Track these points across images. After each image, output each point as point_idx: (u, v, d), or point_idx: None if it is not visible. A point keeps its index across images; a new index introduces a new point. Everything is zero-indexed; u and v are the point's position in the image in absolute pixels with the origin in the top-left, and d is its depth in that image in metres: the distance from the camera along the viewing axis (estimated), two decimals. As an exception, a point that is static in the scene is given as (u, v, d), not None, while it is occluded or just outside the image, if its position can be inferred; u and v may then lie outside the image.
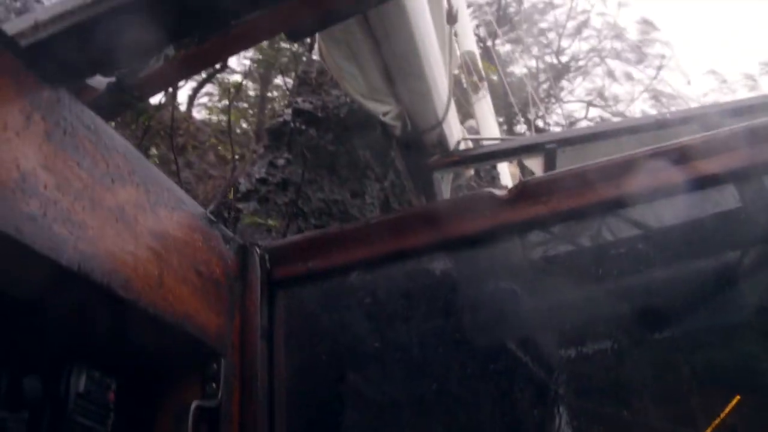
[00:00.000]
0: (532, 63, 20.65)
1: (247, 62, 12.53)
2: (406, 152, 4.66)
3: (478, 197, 2.08)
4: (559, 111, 20.40)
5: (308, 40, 7.41)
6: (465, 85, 7.61)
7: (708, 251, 2.65)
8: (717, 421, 2.65)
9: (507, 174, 7.74)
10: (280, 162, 4.19)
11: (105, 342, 1.67)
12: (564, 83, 20.95)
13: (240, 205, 3.98)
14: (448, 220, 2.00)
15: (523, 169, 6.83)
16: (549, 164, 4.76)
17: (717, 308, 2.71)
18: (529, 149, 4.94)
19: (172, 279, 1.74)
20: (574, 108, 20.74)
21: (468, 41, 7.48)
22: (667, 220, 2.54)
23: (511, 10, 20.86)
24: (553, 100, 20.48)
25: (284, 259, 2.13)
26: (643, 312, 2.85)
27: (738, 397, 2.74)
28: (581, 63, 21.05)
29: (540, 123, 16.73)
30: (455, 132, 4.92)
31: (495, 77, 12.58)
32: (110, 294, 1.51)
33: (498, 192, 2.06)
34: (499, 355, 2.84)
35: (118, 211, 1.59)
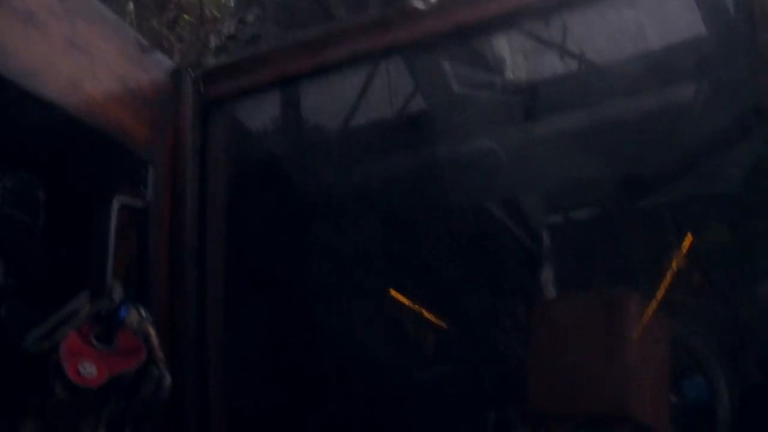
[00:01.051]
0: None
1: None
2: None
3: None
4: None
5: None
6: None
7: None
8: (678, 260, 2.74)
9: None
10: (250, 18, 4.16)
11: (33, 145, 1.76)
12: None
13: (209, 62, 3.99)
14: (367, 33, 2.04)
15: None
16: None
17: (702, 177, 2.75)
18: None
19: (95, 88, 1.81)
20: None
21: None
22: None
23: None
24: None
25: (216, 80, 2.20)
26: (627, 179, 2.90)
27: (690, 235, 2.82)
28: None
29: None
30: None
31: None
32: (22, 92, 1.59)
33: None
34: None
35: (27, 14, 1.64)
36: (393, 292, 2.74)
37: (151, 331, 1.56)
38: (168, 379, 1.46)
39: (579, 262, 3.01)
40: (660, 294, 2.67)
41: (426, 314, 2.77)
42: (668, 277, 2.74)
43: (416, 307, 2.77)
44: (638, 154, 2.64)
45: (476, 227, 2.91)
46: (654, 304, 2.61)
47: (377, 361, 2.63)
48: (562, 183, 2.84)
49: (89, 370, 1.39)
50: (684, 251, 2.76)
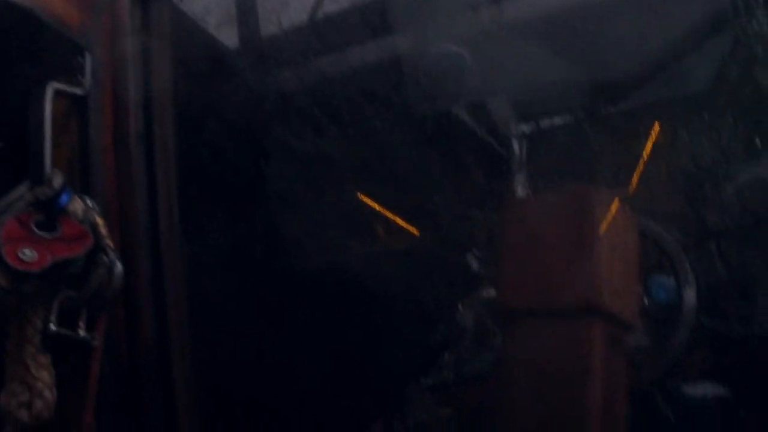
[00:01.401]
0: None
1: None
2: None
3: None
4: None
5: None
6: None
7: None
8: (648, 147, 2.71)
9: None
10: None
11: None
12: None
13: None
14: None
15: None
16: None
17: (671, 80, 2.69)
18: None
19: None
20: None
21: None
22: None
23: None
24: None
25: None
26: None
27: (658, 124, 2.79)
28: None
29: None
30: None
31: None
32: None
33: None
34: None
35: None
36: (362, 197, 2.66)
37: (99, 221, 1.44)
38: (119, 267, 1.36)
39: (550, 170, 2.99)
40: (630, 190, 2.66)
41: (396, 219, 2.71)
42: (637, 173, 2.72)
43: (386, 212, 2.70)
44: (606, 58, 2.59)
45: (444, 133, 2.86)
46: (623, 199, 2.59)
47: (346, 267, 2.58)
48: (531, 88, 2.78)
49: (30, 255, 1.28)
50: (651, 148, 2.74)
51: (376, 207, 2.68)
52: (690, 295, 2.68)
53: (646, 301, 2.69)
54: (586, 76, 2.75)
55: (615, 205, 2.56)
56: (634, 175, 2.70)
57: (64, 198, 1.40)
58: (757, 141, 2.56)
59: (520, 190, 2.96)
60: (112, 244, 1.37)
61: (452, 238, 2.90)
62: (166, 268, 1.44)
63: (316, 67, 2.62)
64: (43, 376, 1.28)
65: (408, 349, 2.80)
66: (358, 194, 2.69)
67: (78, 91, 1.70)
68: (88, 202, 1.49)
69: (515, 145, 2.98)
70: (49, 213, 1.38)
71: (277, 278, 2.52)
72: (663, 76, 2.70)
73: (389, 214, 2.72)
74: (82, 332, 1.33)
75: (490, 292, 2.86)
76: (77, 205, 1.45)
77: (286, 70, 2.55)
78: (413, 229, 2.77)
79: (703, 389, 2.63)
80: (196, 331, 1.57)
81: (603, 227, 2.48)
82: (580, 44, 2.62)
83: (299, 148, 2.54)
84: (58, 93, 1.65)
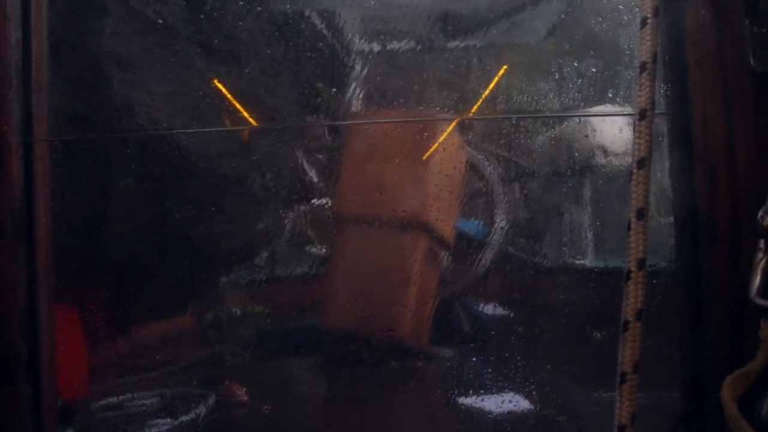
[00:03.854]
0: None
1: None
2: None
3: None
4: None
5: None
6: None
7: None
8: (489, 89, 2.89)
9: None
10: None
11: None
12: None
13: None
14: None
15: None
16: None
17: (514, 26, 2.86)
18: None
19: None
20: None
21: None
22: None
23: None
24: None
25: None
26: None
27: (506, 66, 2.99)
28: None
29: None
30: None
31: None
32: None
33: None
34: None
35: None
36: (215, 82, 2.63)
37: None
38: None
39: (392, 91, 3.11)
40: (460, 117, 2.86)
41: (240, 108, 2.71)
42: (474, 108, 2.93)
43: (233, 99, 2.68)
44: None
45: (296, 33, 2.87)
46: (456, 129, 2.81)
47: (180, 144, 2.57)
48: (381, 5, 2.87)
49: None
50: (494, 85, 2.94)
51: (222, 90, 2.66)
52: (499, 227, 2.98)
53: (462, 224, 2.95)
54: (434, 5, 2.89)
55: (448, 133, 2.78)
56: (471, 109, 2.92)
57: None
58: (584, 93, 2.84)
59: (361, 105, 3.08)
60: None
61: (289, 138, 2.96)
62: (35, 116, 1.38)
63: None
64: None
65: (226, 240, 2.84)
66: (206, 76, 2.65)
67: None
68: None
69: (360, 60, 3.07)
70: None
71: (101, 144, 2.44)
72: (506, 21, 2.91)
73: (232, 99, 2.71)
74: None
75: (319, 199, 2.96)
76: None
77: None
78: (253, 120, 2.78)
79: (494, 306, 2.97)
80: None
81: (435, 151, 2.69)
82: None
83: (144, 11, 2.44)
84: None
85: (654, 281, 1.78)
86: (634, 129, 1.12)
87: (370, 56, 3.06)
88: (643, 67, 1.10)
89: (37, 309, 1.31)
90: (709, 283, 1.24)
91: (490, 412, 2.37)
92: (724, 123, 1.22)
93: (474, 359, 2.78)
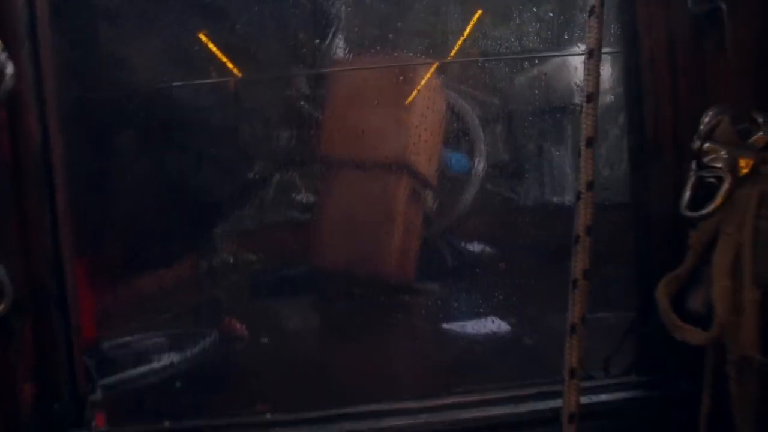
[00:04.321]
0: None
1: None
2: None
3: None
4: None
5: None
6: None
7: None
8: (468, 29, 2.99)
9: None
10: None
11: None
12: None
13: None
14: None
15: None
16: None
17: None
18: None
19: None
20: None
21: None
22: None
23: None
24: None
25: None
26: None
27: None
28: None
29: None
30: None
31: None
32: None
33: None
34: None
35: None
36: (202, 36, 2.72)
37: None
38: (11, 68, 1.40)
39: (371, 37, 3.20)
40: (444, 65, 2.97)
41: (226, 60, 2.80)
42: (454, 51, 3.04)
43: (218, 52, 2.78)
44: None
45: None
46: (436, 71, 2.93)
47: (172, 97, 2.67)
48: None
49: None
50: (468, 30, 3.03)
51: (208, 44, 2.74)
52: (479, 167, 3.11)
53: (445, 165, 3.09)
54: None
55: (428, 76, 2.90)
56: (451, 52, 3.02)
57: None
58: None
59: (342, 52, 3.18)
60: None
61: (277, 86, 3.05)
62: (45, 73, 1.49)
63: None
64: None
65: (221, 188, 2.94)
66: (195, 31, 2.73)
67: None
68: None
69: (338, 6, 3.16)
70: None
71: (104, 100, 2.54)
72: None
73: (218, 53, 2.79)
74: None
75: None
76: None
77: None
78: (237, 71, 2.87)
79: (477, 245, 3.12)
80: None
81: (414, 95, 2.82)
82: None
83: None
84: None
85: (606, 203, 1.95)
86: (584, 67, 1.25)
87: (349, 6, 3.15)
88: (591, 11, 1.23)
89: (61, 249, 1.45)
90: (654, 200, 1.40)
91: (470, 336, 2.55)
92: (668, 60, 1.37)
93: (457, 292, 2.95)
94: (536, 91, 2.95)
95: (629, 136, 1.49)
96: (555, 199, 3.25)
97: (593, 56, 1.20)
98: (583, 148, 1.21)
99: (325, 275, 2.82)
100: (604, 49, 1.24)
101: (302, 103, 3.01)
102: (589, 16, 1.21)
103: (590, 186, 1.19)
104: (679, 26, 1.33)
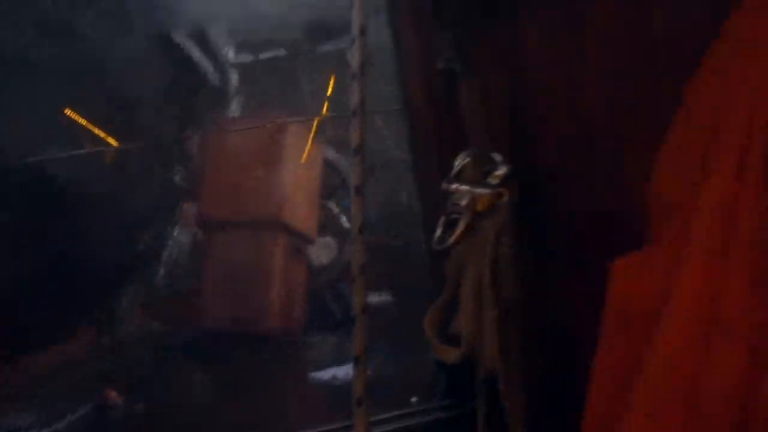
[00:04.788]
0: None
1: None
2: None
3: None
4: None
5: None
6: None
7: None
8: (331, 85, 3.09)
9: None
10: None
11: None
12: None
13: None
14: None
15: None
16: None
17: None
18: None
19: None
20: None
21: None
22: None
23: None
24: None
25: None
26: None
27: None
28: None
29: None
30: None
31: None
32: None
33: None
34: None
35: None
36: (68, 111, 2.76)
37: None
38: None
39: (258, 98, 3.30)
40: (316, 123, 3.08)
41: (102, 132, 2.84)
42: (324, 107, 3.15)
43: (92, 125, 2.82)
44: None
45: (162, 54, 3.02)
46: (312, 131, 3.03)
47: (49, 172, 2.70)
48: (250, 18, 3.05)
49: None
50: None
51: (82, 120, 2.78)
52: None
53: (332, 217, 3.16)
54: (302, 14, 3.10)
55: (304, 135, 2.99)
56: (323, 108, 3.13)
57: None
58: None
59: (230, 114, 3.28)
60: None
61: (162, 154, 3.11)
62: None
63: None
64: None
65: (113, 260, 2.95)
66: (65, 106, 2.76)
67: None
68: None
69: (229, 73, 3.26)
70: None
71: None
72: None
73: (95, 127, 2.82)
74: None
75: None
76: None
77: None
78: (115, 141, 2.90)
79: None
80: None
81: (291, 153, 2.90)
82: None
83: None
84: None
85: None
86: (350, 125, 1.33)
87: (240, 68, 3.25)
88: (353, 76, 1.32)
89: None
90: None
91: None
92: (428, 112, 1.46)
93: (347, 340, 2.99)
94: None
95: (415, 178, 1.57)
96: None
97: (356, 115, 1.29)
98: (353, 196, 1.29)
99: (210, 336, 2.84)
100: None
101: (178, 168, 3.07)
102: (351, 80, 1.30)
103: (362, 229, 1.26)
104: (435, 82, 1.41)
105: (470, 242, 1.18)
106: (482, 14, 1.25)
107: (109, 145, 2.88)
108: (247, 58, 3.29)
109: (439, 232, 1.22)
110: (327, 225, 3.17)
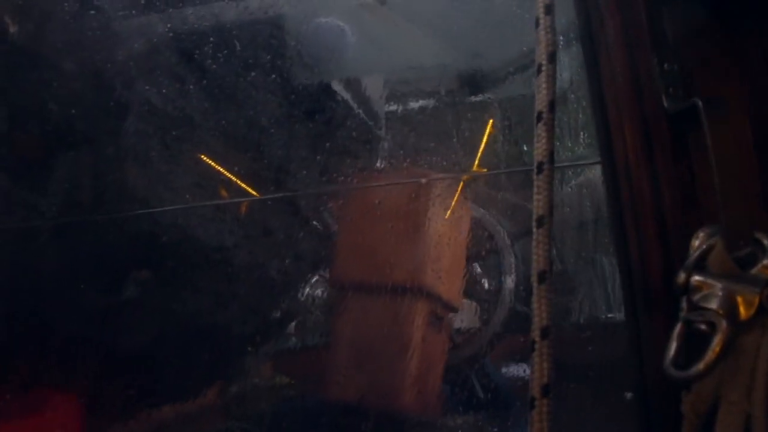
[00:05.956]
0: None
1: None
2: None
3: None
4: None
5: None
6: None
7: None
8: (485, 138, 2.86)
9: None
10: None
11: None
12: None
13: None
14: None
15: None
16: None
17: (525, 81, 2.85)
18: None
19: None
20: None
21: None
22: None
23: None
24: None
25: None
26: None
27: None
28: None
29: None
30: None
31: None
32: None
33: None
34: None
35: None
36: (204, 157, 2.66)
37: None
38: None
39: (404, 150, 3.10)
40: (465, 178, 2.81)
41: (240, 182, 2.72)
42: (476, 162, 2.88)
43: (231, 174, 2.70)
44: (480, 49, 2.73)
45: (318, 103, 2.90)
46: (459, 185, 2.75)
47: (187, 227, 2.60)
48: (405, 68, 2.90)
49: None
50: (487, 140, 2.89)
51: (224, 171, 2.69)
52: (509, 283, 2.87)
53: (475, 285, 2.86)
54: (458, 63, 2.89)
55: (451, 191, 2.72)
56: (474, 163, 2.87)
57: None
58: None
59: (375, 166, 3.07)
60: None
61: (307, 208, 2.95)
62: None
63: (184, 16, 2.58)
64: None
65: (249, 315, 2.84)
66: (209, 157, 2.69)
67: None
68: None
69: (380, 123, 3.08)
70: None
71: (114, 237, 2.50)
72: (521, 75, 2.88)
73: (236, 177, 2.72)
74: None
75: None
76: None
77: (152, 14, 2.48)
78: (254, 192, 2.78)
79: (511, 369, 2.83)
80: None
81: (435, 212, 2.63)
82: (458, 30, 2.74)
83: (155, 99, 2.51)
84: None
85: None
86: (533, 184, 1.04)
87: (389, 118, 3.07)
88: (539, 116, 1.03)
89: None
90: (646, 348, 1.12)
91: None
92: (646, 168, 1.13)
93: (491, 427, 2.67)
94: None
95: (619, 263, 1.22)
96: (604, 316, 2.98)
97: (542, 171, 0.99)
98: (535, 284, 0.98)
99: (337, 408, 2.60)
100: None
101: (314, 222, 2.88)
102: (537, 123, 1.01)
103: (545, 333, 0.94)
104: (657, 129, 1.10)
105: (725, 369, 0.80)
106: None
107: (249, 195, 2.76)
108: (395, 107, 3.13)
109: (674, 346, 0.84)
110: (472, 291, 2.87)
